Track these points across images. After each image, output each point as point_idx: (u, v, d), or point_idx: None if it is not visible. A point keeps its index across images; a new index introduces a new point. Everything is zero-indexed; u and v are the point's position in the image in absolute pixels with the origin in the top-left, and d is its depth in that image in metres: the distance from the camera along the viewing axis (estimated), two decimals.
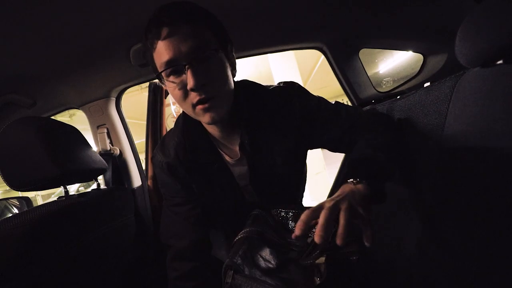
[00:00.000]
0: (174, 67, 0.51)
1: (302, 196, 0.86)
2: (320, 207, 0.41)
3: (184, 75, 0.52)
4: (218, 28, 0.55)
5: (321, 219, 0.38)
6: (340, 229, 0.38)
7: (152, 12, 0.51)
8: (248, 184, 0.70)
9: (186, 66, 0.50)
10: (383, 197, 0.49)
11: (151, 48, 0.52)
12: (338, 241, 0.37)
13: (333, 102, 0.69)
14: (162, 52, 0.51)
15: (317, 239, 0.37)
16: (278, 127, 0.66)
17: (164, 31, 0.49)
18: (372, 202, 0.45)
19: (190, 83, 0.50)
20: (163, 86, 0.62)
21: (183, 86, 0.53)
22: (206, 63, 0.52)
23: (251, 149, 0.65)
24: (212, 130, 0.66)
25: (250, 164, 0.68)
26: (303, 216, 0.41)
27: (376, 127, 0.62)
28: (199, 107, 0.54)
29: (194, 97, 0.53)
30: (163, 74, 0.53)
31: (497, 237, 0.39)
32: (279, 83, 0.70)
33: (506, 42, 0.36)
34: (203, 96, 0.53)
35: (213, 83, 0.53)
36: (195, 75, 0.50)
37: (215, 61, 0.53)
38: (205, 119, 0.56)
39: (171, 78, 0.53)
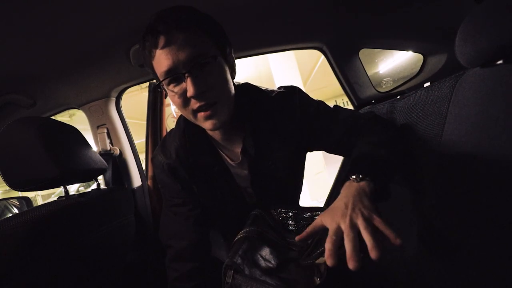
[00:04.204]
0: (174, 76, 0.51)
1: (299, 197, 0.86)
2: (336, 228, 0.38)
3: (184, 83, 0.52)
4: (216, 32, 0.55)
5: (346, 247, 0.36)
6: (372, 250, 0.35)
7: (150, 16, 0.51)
8: (249, 186, 0.71)
9: (186, 75, 0.50)
10: (387, 194, 0.48)
11: (150, 56, 0.52)
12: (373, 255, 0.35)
13: (332, 106, 0.70)
14: (161, 61, 0.51)
15: (330, 262, 0.36)
16: (279, 132, 0.66)
17: (161, 40, 0.49)
18: (377, 200, 0.44)
19: (190, 91, 0.50)
20: (165, 91, 0.63)
21: (183, 94, 0.53)
22: (205, 70, 0.52)
23: (253, 154, 0.65)
24: (213, 133, 0.66)
25: (251, 168, 0.68)
26: (309, 229, 0.43)
27: (374, 128, 0.62)
28: (201, 114, 0.54)
29: (194, 104, 0.53)
30: (163, 83, 0.53)
31: (498, 237, 0.39)
32: (279, 88, 0.71)
33: (506, 42, 0.36)
34: (203, 102, 0.53)
35: (213, 90, 0.53)
36: (194, 83, 0.50)
37: (214, 67, 0.53)
38: (206, 125, 0.56)
39: (171, 86, 0.53)
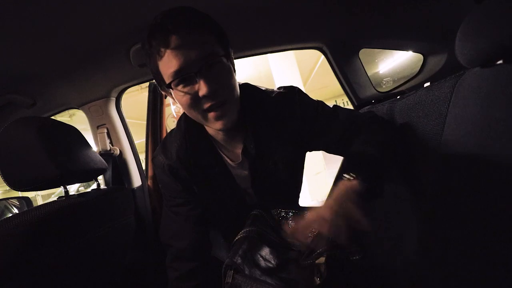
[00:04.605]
0: (185, 75, 0.51)
1: (299, 197, 0.86)
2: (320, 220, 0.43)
3: (194, 83, 0.52)
4: (220, 33, 0.55)
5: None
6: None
7: (154, 17, 0.51)
8: (249, 187, 0.71)
9: (197, 74, 0.50)
10: (379, 192, 0.49)
11: (157, 56, 0.51)
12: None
13: (332, 106, 0.70)
14: (170, 61, 0.50)
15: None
16: (279, 132, 0.67)
17: (172, 39, 0.49)
18: (368, 198, 0.46)
19: (203, 90, 0.50)
20: (164, 92, 0.62)
21: (193, 94, 0.52)
22: (214, 70, 0.52)
23: (254, 154, 0.65)
24: (216, 134, 0.66)
25: (251, 168, 0.68)
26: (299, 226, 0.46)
27: (372, 127, 0.62)
28: (212, 114, 0.54)
29: (205, 103, 0.53)
30: (172, 84, 0.52)
31: (497, 236, 0.39)
32: (279, 88, 0.71)
33: (506, 42, 0.36)
34: (214, 102, 0.53)
35: (223, 89, 0.54)
36: (207, 82, 0.50)
37: (223, 67, 0.54)
38: (217, 125, 0.56)
39: (180, 87, 0.53)
